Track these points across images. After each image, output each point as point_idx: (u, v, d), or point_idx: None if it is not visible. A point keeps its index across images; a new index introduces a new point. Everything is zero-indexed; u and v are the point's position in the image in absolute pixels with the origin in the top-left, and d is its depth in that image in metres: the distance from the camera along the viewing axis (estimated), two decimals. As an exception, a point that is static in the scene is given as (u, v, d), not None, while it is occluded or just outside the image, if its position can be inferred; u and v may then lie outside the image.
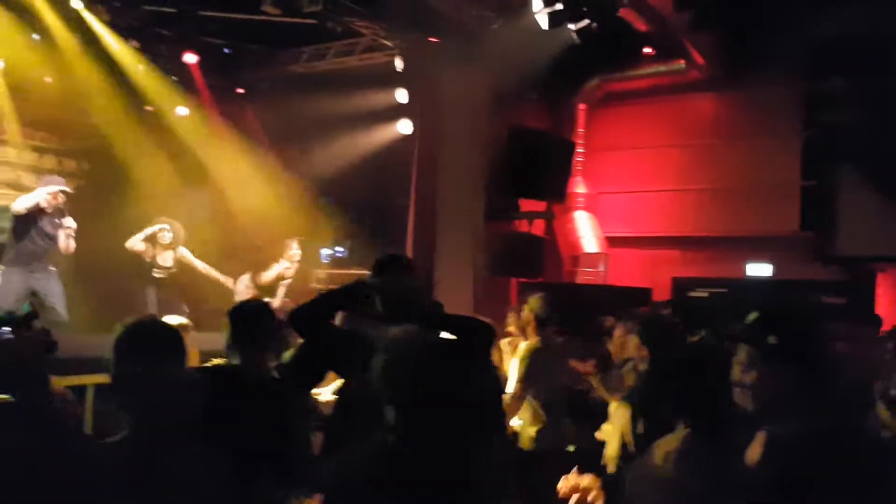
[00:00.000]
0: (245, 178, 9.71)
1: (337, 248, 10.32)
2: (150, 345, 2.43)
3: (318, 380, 3.19)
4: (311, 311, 2.81)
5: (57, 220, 6.43)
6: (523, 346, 4.75)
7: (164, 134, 10.12)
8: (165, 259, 7.75)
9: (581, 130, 9.99)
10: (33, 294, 6.37)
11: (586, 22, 7.09)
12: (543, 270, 8.93)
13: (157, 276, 7.68)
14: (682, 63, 8.97)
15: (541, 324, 4.62)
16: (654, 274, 9.03)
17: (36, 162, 10.14)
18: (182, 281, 8.02)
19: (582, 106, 9.99)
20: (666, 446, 2.14)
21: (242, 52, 9.90)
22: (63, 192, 6.47)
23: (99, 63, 9.12)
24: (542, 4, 6.99)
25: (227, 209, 9.86)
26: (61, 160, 10.43)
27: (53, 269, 6.64)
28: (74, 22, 8.60)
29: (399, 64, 8.97)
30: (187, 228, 8.45)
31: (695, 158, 9.58)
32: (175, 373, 2.36)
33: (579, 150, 9.72)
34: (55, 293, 6.49)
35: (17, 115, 9.56)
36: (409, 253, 9.09)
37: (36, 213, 6.36)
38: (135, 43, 9.13)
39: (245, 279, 8.27)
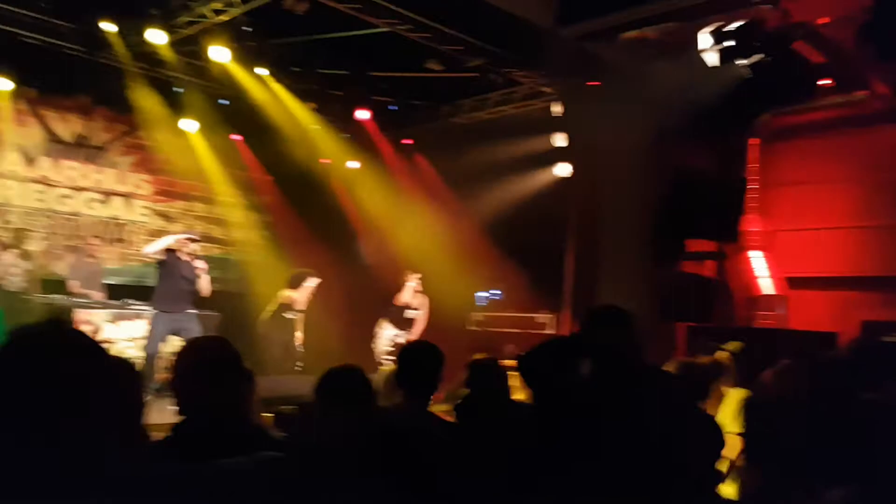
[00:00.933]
0: (412, 224, 10.09)
1: (493, 291, 10.39)
2: (344, 389, 2.65)
3: None
4: (538, 363, 2.80)
5: (192, 265, 7.26)
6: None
7: (338, 185, 10.80)
8: (300, 304, 8.21)
9: (753, 166, 9.51)
10: (174, 334, 7.07)
11: (758, 56, 6.80)
12: (714, 314, 8.51)
13: (286, 316, 8.12)
14: (863, 94, 8.35)
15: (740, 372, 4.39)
16: (841, 317, 8.31)
17: (224, 215, 11.13)
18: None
19: (754, 141, 9.51)
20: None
21: (408, 107, 10.37)
22: (190, 239, 7.40)
23: (280, 123, 9.94)
24: (710, 41, 6.80)
25: (394, 254, 10.25)
26: (247, 213, 11.39)
27: (194, 311, 7.41)
28: (259, 87, 9.43)
29: (557, 109, 9.06)
30: (355, 273, 8.97)
31: (882, 193, 8.81)
32: (357, 415, 2.52)
33: (752, 186, 9.24)
34: (194, 333, 7.01)
35: (206, 173, 10.60)
36: (568, 297, 9.03)
37: (173, 259, 7.22)
38: (312, 104, 9.85)
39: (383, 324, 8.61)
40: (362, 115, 9.94)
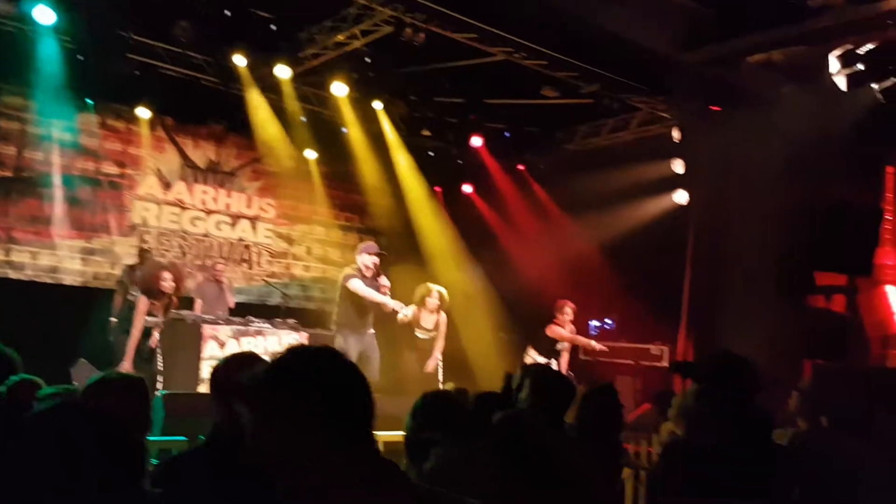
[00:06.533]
0: (524, 250, 10.08)
1: (606, 321, 10.16)
2: (442, 414, 2.66)
3: None
4: None
5: (376, 282, 7.03)
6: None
7: (451, 211, 10.95)
8: (428, 322, 7.73)
9: (889, 196, 8.91)
10: (360, 354, 6.97)
11: (893, 80, 6.42)
12: (845, 352, 7.97)
13: (418, 335, 7.71)
14: None
15: (812, 410, 4.10)
16: None
17: (341, 239, 11.52)
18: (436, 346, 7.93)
19: (890, 169, 8.93)
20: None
21: (523, 134, 10.41)
22: (379, 254, 7.14)
23: (391, 153, 10.23)
24: (839, 65, 6.48)
25: (506, 279, 10.24)
26: (362, 237, 11.72)
27: (373, 331, 7.26)
28: (373, 119, 9.75)
29: (676, 135, 8.84)
30: (467, 298, 8.95)
31: None
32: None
33: (888, 216, 8.65)
34: (376, 356, 7.13)
35: (325, 198, 11.01)
36: (683, 329, 8.71)
37: (360, 278, 6.99)
38: (426, 131, 10.08)
39: (531, 353, 8.33)
40: (476, 141, 10.05)
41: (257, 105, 9.24)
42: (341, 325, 7.13)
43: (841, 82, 6.60)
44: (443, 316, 7.74)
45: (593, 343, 8.45)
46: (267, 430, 1.30)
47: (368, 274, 7.02)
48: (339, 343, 7.01)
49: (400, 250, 11.10)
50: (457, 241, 10.92)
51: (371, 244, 7.49)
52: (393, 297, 7.19)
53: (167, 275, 6.80)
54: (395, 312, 7.24)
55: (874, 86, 6.63)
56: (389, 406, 4.44)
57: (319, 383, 1.30)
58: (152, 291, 6.67)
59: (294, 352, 1.38)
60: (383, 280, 7.06)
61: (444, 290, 7.72)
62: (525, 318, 9.50)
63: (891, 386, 6.91)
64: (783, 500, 2.50)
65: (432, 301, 7.61)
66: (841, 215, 7.64)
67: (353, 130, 9.97)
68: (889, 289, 8.84)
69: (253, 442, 1.30)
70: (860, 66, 6.44)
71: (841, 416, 4.12)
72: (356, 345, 7.00)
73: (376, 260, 7.06)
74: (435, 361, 7.65)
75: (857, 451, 3.83)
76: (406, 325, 7.54)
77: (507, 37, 7.48)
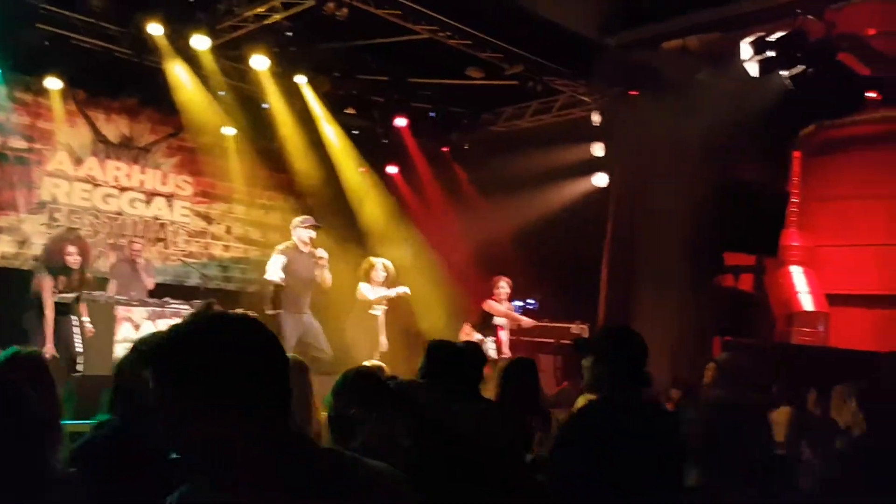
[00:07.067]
0: (447, 231, 10.10)
1: (528, 301, 10.31)
2: (364, 390, 2.68)
3: None
4: None
5: (311, 257, 6.84)
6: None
7: (377, 191, 10.84)
8: (381, 299, 7.63)
9: (795, 180, 9.36)
10: (300, 336, 6.83)
11: (801, 68, 6.71)
12: (754, 330, 8.36)
13: (374, 313, 7.58)
14: (912, 107, 8.15)
15: (726, 380, 4.35)
16: (883, 337, 8.13)
17: (262, 218, 11.27)
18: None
19: (797, 154, 9.37)
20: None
21: (447, 115, 10.40)
22: (315, 227, 6.96)
23: (316, 130, 10.03)
24: (751, 52, 6.73)
25: (430, 261, 10.25)
26: (285, 216, 11.48)
27: (309, 312, 7.05)
28: (297, 95, 9.53)
29: (596, 118, 9.02)
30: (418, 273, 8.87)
31: (928, 209, 8.59)
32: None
33: (794, 200, 9.09)
34: (319, 333, 6.95)
35: (246, 176, 10.73)
36: (602, 308, 8.95)
37: (294, 256, 6.80)
38: (351, 109, 9.93)
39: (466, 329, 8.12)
40: (400, 122, 9.98)
41: (174, 78, 8.89)
42: (276, 306, 6.90)
43: (752, 69, 6.85)
44: (391, 291, 7.54)
45: (522, 318, 8.43)
46: (167, 394, 1.19)
47: (305, 249, 6.84)
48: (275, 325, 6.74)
49: (328, 229, 10.96)
50: (392, 218, 10.82)
51: (307, 217, 7.25)
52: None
53: (72, 248, 6.47)
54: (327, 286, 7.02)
55: (783, 72, 6.91)
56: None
57: (228, 349, 1.20)
58: (56, 267, 6.36)
59: (205, 315, 1.30)
60: (320, 252, 6.85)
61: (388, 263, 7.57)
62: (455, 297, 9.57)
63: (795, 362, 7.30)
64: (676, 471, 2.65)
65: (377, 275, 7.41)
66: (749, 198, 7.99)
67: (276, 106, 9.72)
68: (794, 269, 9.30)
69: (157, 412, 1.19)
70: (770, 53, 6.70)
71: (750, 387, 4.36)
72: (295, 326, 6.81)
73: (313, 234, 6.89)
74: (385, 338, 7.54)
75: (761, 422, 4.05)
76: (362, 303, 7.37)
77: (431, 14, 7.44)
